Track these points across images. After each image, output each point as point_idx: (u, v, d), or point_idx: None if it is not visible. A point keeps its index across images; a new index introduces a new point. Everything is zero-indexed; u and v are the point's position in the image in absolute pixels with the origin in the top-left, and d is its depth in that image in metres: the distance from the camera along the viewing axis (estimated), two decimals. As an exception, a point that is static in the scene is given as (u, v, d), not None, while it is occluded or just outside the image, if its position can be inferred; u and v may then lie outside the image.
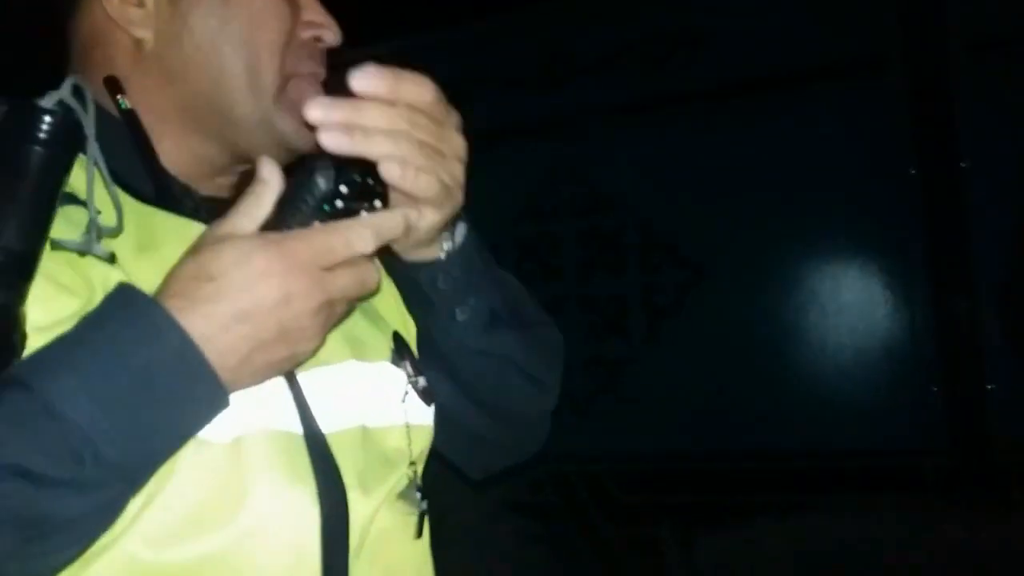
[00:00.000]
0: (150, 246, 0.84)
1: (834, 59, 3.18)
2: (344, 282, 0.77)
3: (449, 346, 1.00)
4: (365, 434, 0.92)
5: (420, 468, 0.99)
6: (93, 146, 0.75)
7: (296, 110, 0.90)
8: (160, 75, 0.95)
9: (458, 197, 0.88)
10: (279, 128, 0.95)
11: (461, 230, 0.97)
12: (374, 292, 0.83)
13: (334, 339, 0.89)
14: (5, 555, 0.68)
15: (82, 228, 0.78)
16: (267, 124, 0.95)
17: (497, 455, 1.17)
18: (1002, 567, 2.52)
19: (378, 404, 0.97)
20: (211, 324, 0.73)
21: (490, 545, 3.35)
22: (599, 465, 3.51)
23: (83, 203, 0.78)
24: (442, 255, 0.95)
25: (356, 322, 0.99)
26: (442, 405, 1.03)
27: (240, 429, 0.83)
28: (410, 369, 1.00)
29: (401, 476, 0.95)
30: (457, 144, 0.86)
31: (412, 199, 0.83)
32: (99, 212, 0.78)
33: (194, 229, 0.84)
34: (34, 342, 0.73)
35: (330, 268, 0.76)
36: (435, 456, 1.07)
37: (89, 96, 0.75)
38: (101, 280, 0.79)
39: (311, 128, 0.83)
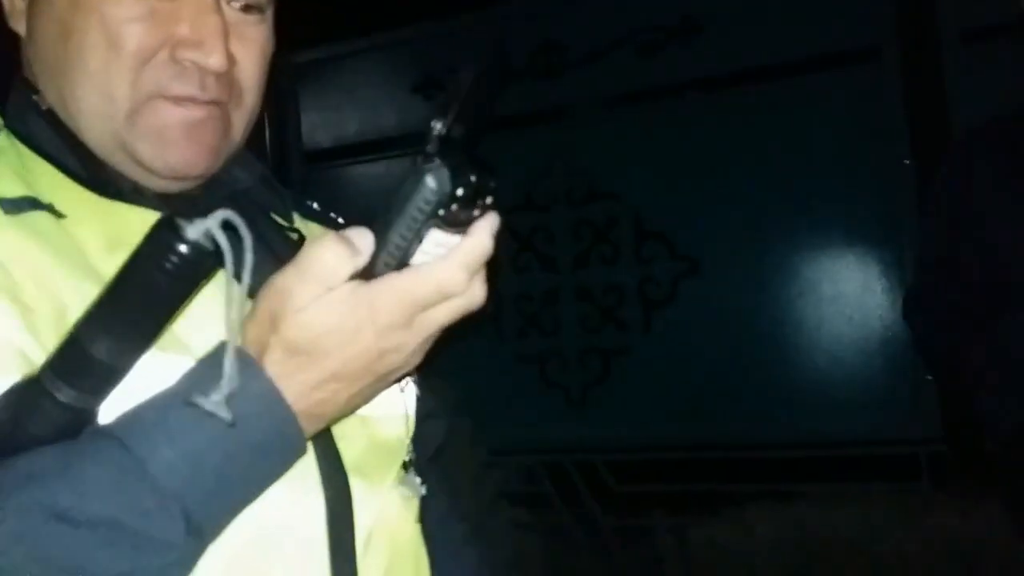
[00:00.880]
0: (120, 243, 0.79)
1: (828, 50, 3.19)
2: (441, 317, 0.72)
3: None
4: (364, 423, 0.92)
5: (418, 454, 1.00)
6: (232, 285, 0.67)
7: (153, 133, 0.85)
8: (44, 75, 0.88)
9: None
10: (136, 151, 0.86)
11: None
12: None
13: None
14: None
15: (49, 238, 0.79)
16: (123, 146, 0.86)
17: None
18: (995, 555, 2.53)
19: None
20: (304, 391, 0.72)
21: (484, 534, 3.36)
22: (594, 454, 3.53)
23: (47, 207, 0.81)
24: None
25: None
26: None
27: None
28: None
29: (401, 463, 0.95)
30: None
31: None
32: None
33: None
34: None
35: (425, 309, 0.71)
36: None
37: (244, 229, 0.67)
38: (71, 292, 0.77)
39: (172, 153, 0.83)
